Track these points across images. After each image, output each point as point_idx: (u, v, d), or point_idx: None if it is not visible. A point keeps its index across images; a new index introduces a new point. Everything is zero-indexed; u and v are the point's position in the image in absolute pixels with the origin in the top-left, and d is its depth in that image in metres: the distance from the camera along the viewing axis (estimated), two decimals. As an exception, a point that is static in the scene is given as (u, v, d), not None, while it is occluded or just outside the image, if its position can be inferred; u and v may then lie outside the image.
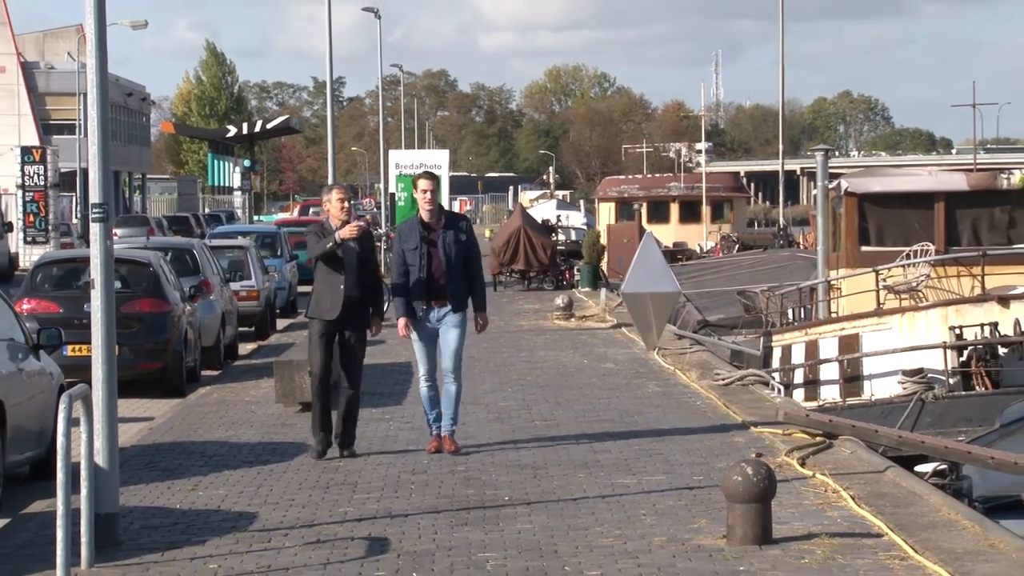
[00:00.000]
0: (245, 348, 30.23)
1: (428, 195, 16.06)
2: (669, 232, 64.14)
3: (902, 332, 25.08)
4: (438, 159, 60.03)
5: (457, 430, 16.50)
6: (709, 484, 13.93)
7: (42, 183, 65.71)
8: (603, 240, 53.38)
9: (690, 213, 69.34)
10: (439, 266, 15.95)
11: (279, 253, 40.19)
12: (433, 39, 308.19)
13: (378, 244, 54.60)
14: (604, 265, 50.25)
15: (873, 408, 23.05)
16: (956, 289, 26.66)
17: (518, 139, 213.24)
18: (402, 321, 16.14)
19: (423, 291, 15.98)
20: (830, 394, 25.61)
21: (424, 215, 16.13)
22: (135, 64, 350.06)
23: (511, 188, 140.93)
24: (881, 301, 26.73)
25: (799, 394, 25.78)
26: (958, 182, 28.70)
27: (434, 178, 16.60)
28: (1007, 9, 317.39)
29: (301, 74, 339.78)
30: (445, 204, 17.57)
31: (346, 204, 16.07)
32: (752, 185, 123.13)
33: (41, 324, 18.73)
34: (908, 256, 27.31)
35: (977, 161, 33.95)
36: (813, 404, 23.86)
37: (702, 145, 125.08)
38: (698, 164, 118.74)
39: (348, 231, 15.85)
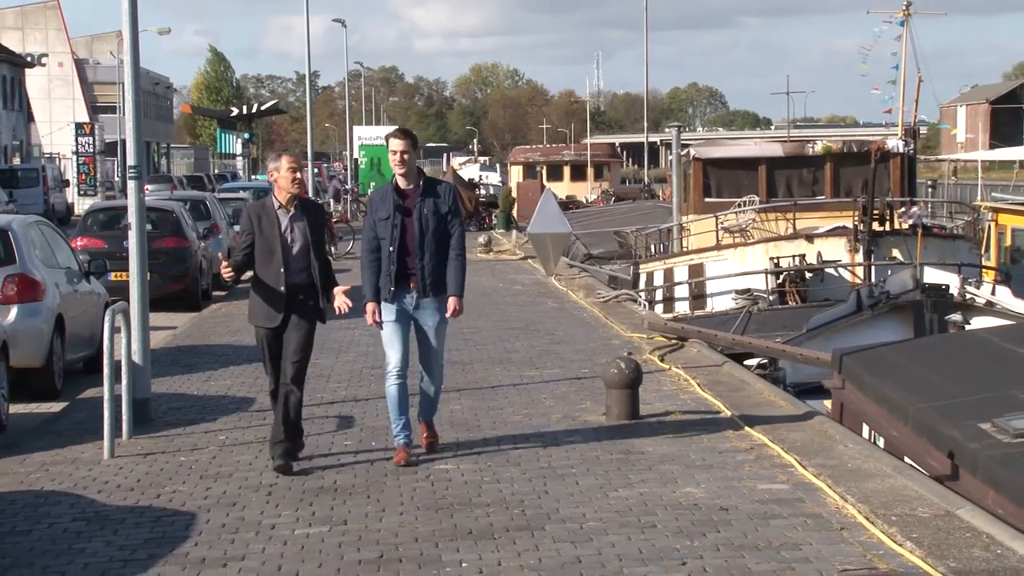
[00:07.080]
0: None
1: (398, 156, 9.94)
2: (563, 188, 64.05)
3: (735, 262, 25.22)
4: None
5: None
6: (593, 375, 13.94)
7: (91, 150, 65.39)
8: (514, 194, 53.34)
9: (578, 173, 69.29)
10: (412, 239, 9.99)
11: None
12: (384, 42, 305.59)
13: (346, 197, 54.37)
14: (515, 212, 50.21)
15: (714, 318, 23.18)
16: (775, 230, 26.81)
17: (450, 118, 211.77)
18: (370, 307, 10.03)
19: (394, 269, 9.98)
20: (682, 308, 25.73)
21: (399, 180, 10.03)
22: (160, 60, 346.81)
23: (445, 155, 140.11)
24: (719, 239, 26.85)
25: (659, 308, 25.88)
26: (776, 150, 28.83)
27: (408, 136, 10.09)
28: (810, 23, 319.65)
29: (287, 69, 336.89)
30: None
31: (297, 175, 10.00)
32: (624, 152, 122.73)
33: (91, 256, 18.48)
34: (739, 205, 27.42)
35: (790, 134, 34.11)
36: (670, 315, 23.97)
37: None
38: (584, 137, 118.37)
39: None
